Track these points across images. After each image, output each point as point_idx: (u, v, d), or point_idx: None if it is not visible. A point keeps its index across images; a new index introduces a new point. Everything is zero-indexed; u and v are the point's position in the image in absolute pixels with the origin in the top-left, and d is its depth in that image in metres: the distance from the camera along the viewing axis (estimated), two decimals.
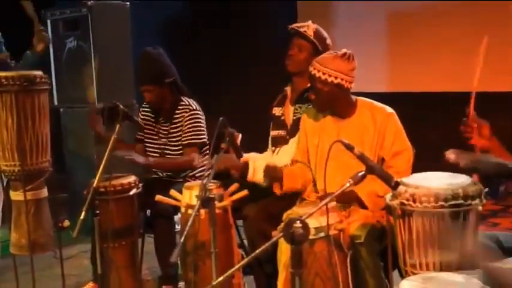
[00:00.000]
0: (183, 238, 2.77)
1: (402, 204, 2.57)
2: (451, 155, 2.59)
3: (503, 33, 4.75)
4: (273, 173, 3.48)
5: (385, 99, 3.50)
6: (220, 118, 3.10)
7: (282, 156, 3.79)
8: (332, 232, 3.02)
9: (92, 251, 4.12)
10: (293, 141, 3.78)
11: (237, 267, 2.52)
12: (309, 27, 3.82)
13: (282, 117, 3.90)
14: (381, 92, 3.86)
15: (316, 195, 3.47)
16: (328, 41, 3.87)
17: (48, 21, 5.58)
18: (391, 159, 3.29)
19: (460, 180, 2.60)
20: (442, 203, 2.49)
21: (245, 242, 4.07)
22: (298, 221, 2.34)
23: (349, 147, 2.55)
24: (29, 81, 3.39)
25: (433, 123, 5.14)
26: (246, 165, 3.61)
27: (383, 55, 5.48)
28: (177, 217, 4.12)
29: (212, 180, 3.16)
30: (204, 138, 4.26)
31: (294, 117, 3.82)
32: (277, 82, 4.02)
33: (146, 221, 4.23)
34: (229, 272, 2.51)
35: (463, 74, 4.91)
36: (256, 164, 3.64)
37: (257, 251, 2.43)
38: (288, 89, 3.93)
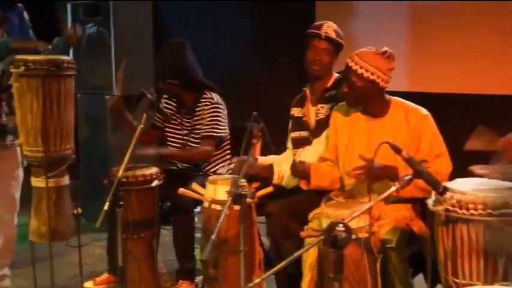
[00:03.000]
0: (214, 235, 2.65)
1: (447, 210, 2.45)
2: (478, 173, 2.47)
3: None
4: (300, 168, 3.37)
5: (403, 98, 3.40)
6: (254, 113, 3.00)
7: (304, 157, 3.66)
8: (363, 235, 2.90)
9: (109, 242, 4.02)
10: (316, 142, 3.67)
11: (270, 273, 2.38)
12: (329, 27, 3.69)
13: (304, 118, 3.78)
14: (400, 91, 3.71)
15: (343, 194, 3.38)
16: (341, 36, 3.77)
17: (68, 6, 5.44)
18: (433, 161, 3.15)
19: (507, 188, 2.48)
20: (491, 211, 2.37)
21: (263, 239, 3.97)
22: (341, 225, 2.24)
23: (397, 150, 2.44)
24: (56, 66, 3.26)
25: (452, 126, 5.00)
26: (270, 169, 3.53)
27: (403, 53, 5.35)
28: (195, 210, 4.02)
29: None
30: (223, 132, 4.18)
31: (317, 118, 3.71)
32: (289, 82, 3.90)
33: (162, 213, 4.12)
34: (264, 276, 2.41)
35: (485, 76, 4.86)
36: (282, 168, 3.55)
37: (293, 256, 2.33)
38: (307, 90, 3.81)
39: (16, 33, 3.73)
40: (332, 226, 2.24)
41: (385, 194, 2.36)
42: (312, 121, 3.73)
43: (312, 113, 3.75)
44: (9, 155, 3.79)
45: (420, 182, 2.51)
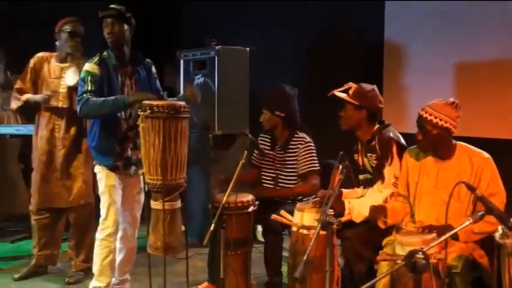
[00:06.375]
0: (306, 256, 2.57)
1: None
2: None
3: None
4: (378, 213, 3.29)
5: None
6: (340, 152, 2.92)
7: (369, 197, 3.54)
8: (432, 261, 2.74)
9: (210, 256, 3.98)
10: (377, 185, 3.55)
11: None
12: (350, 88, 3.58)
13: (362, 166, 3.69)
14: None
15: (413, 225, 3.26)
16: (372, 93, 3.58)
17: (181, 61, 5.54)
18: None
19: None
20: None
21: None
22: (421, 252, 2.12)
23: (471, 189, 2.31)
24: (175, 109, 3.28)
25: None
26: (342, 205, 3.41)
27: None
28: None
29: None
30: (319, 166, 4.07)
31: (373, 165, 3.58)
32: None
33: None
34: None
35: None
36: (351, 204, 3.43)
37: (375, 279, 2.24)
38: (359, 142, 3.72)
39: (143, 84, 3.77)
40: (412, 253, 2.13)
41: (460, 228, 2.23)
42: (368, 167, 3.64)
43: (366, 161, 3.65)
44: (133, 182, 3.83)
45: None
